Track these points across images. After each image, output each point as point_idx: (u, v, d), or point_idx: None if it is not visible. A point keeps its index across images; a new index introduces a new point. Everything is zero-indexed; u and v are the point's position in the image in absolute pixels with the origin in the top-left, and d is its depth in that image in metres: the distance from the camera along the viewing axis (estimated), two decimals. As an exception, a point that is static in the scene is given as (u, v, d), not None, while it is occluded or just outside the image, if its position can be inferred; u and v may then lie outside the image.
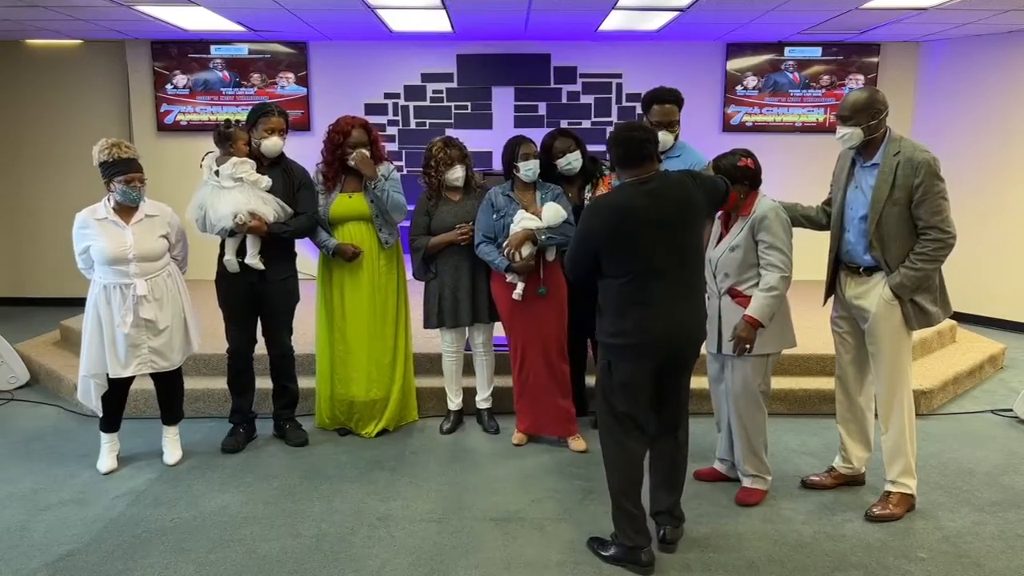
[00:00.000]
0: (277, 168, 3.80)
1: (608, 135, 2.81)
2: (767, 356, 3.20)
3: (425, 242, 3.94)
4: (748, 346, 3.08)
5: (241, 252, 3.73)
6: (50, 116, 7.13)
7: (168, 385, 3.77)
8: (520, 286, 3.75)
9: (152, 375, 3.69)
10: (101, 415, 3.68)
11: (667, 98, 3.64)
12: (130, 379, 3.65)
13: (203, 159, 3.73)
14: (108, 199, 3.47)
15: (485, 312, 4.00)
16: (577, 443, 3.93)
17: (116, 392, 3.65)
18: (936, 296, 3.13)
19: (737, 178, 3.10)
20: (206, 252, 4.00)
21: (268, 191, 3.70)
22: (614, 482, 2.84)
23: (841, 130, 3.10)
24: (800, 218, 3.37)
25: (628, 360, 2.74)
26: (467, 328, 4.12)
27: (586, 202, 3.88)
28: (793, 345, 3.28)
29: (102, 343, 3.47)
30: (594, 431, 4.11)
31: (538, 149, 3.85)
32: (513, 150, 3.79)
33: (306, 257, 4.42)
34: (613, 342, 2.74)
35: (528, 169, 3.75)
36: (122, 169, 3.37)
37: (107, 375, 3.52)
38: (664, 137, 3.56)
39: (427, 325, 4.07)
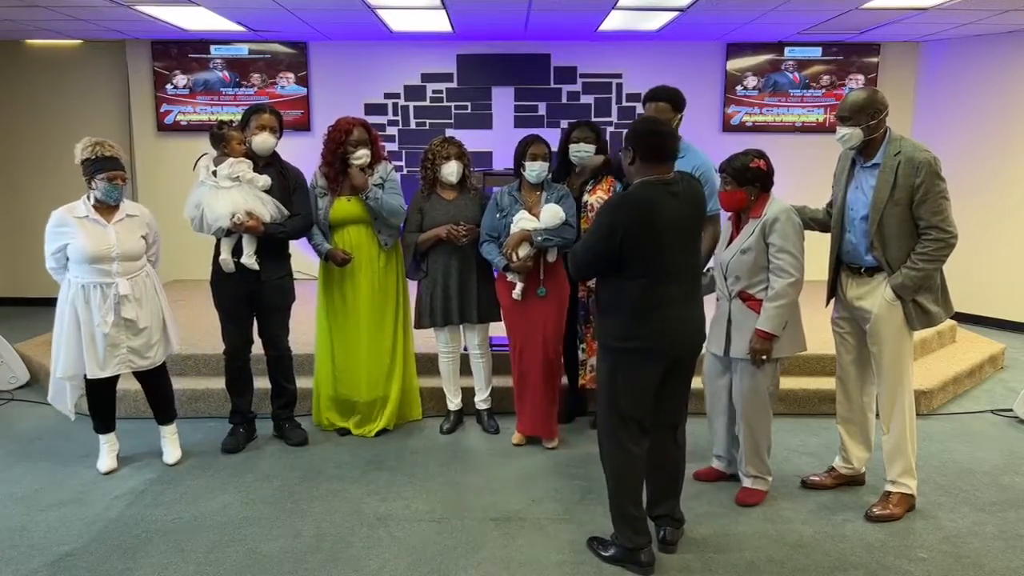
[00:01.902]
0: (272, 169, 3.79)
1: (630, 128, 2.73)
2: (777, 360, 3.20)
3: (415, 239, 3.94)
4: (765, 357, 3.11)
5: (237, 252, 3.73)
6: (50, 116, 7.14)
7: (154, 384, 3.75)
8: (519, 286, 3.76)
9: (137, 376, 3.68)
10: (73, 418, 3.64)
11: (659, 95, 3.59)
12: (114, 380, 3.64)
13: (198, 160, 3.74)
14: (88, 197, 3.45)
15: (474, 312, 3.98)
16: (552, 441, 3.96)
17: (101, 394, 3.64)
18: (938, 296, 3.13)
19: (749, 179, 3.09)
20: (202, 252, 4.00)
21: (265, 191, 3.71)
22: (616, 486, 2.82)
23: (841, 130, 3.10)
24: (808, 220, 3.36)
25: (639, 363, 2.69)
26: (462, 329, 4.12)
27: (586, 197, 3.88)
28: (804, 349, 3.26)
29: (79, 344, 3.43)
30: (589, 432, 4.14)
31: (550, 149, 3.82)
32: (523, 149, 3.78)
33: (307, 258, 4.42)
34: (625, 346, 2.69)
35: (533, 171, 3.74)
36: (104, 167, 3.36)
37: (84, 376, 3.50)
38: None
39: (418, 325, 4.06)
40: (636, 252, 2.60)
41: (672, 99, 3.61)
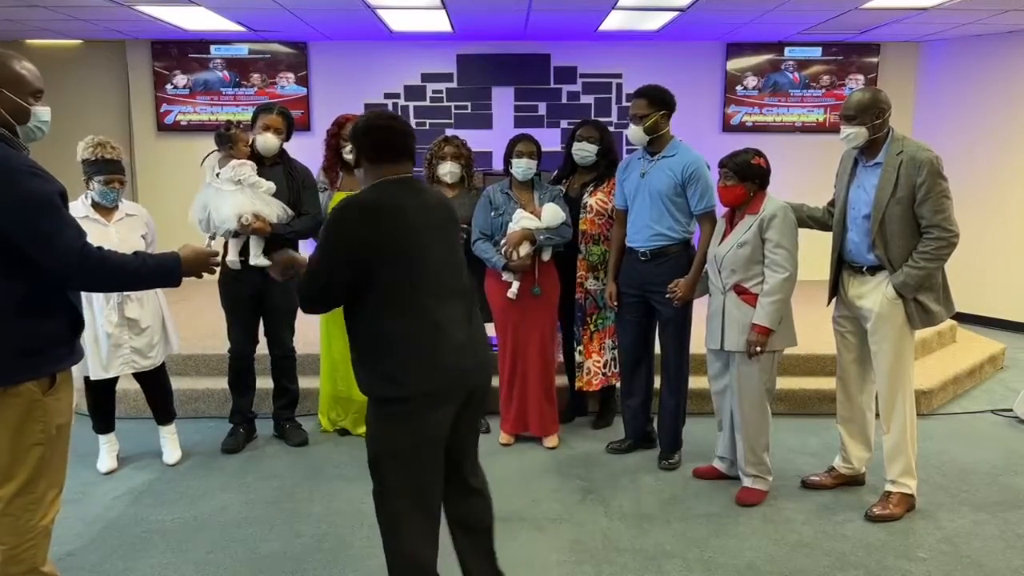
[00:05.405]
0: (280, 168, 3.79)
1: (353, 127, 2.32)
2: (773, 353, 3.22)
3: None
4: (760, 349, 3.13)
5: (244, 253, 3.73)
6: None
7: (154, 385, 3.75)
8: (515, 285, 3.76)
9: (137, 377, 3.68)
10: (74, 420, 3.65)
11: (637, 92, 3.55)
12: (114, 380, 3.64)
13: (205, 159, 3.73)
14: (86, 196, 3.46)
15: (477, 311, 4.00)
16: (551, 440, 3.95)
17: (102, 393, 3.65)
18: (939, 295, 3.13)
19: (748, 176, 3.15)
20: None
21: (272, 194, 3.70)
22: None
23: (845, 130, 3.10)
24: (806, 218, 3.38)
25: (422, 413, 2.14)
26: None
27: (586, 198, 3.88)
28: (794, 344, 3.29)
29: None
30: (589, 432, 4.15)
31: (538, 148, 3.85)
32: (511, 148, 3.83)
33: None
34: (399, 394, 2.13)
35: (519, 168, 3.78)
36: (103, 169, 3.37)
37: (84, 378, 3.50)
38: (632, 130, 3.53)
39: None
40: (376, 264, 2.09)
41: (648, 95, 3.49)
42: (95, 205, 3.45)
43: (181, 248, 2.24)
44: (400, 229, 2.12)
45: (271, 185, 3.69)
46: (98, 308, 3.43)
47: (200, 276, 2.31)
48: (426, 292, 2.15)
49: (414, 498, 2.20)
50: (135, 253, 2.16)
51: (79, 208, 3.43)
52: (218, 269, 2.34)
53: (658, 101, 3.48)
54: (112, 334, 3.45)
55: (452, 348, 2.16)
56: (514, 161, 3.79)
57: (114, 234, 3.42)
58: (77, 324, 2.13)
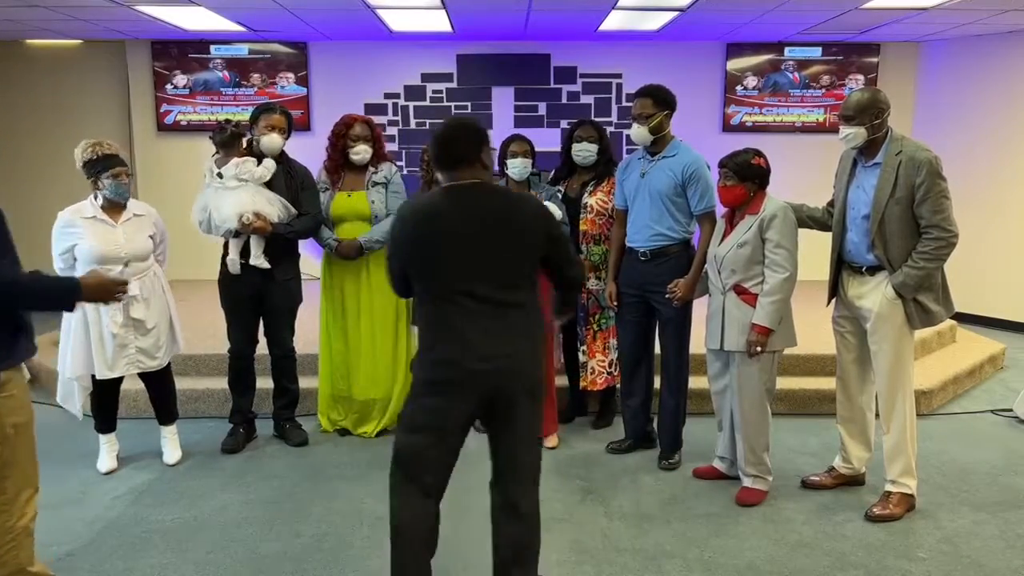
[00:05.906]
0: (280, 168, 3.79)
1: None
2: (773, 353, 3.23)
3: None
4: (760, 349, 3.14)
5: (244, 253, 3.73)
6: (50, 116, 7.14)
7: (158, 385, 3.75)
8: None
9: (142, 376, 3.68)
10: (80, 418, 3.63)
11: (640, 91, 3.55)
12: (119, 379, 3.64)
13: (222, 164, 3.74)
14: (95, 197, 3.45)
15: None
16: (551, 440, 3.94)
17: (107, 393, 3.65)
18: (939, 295, 3.13)
19: (749, 176, 3.15)
20: (210, 252, 4.00)
21: (270, 188, 3.70)
22: (391, 543, 2.49)
23: (845, 130, 3.10)
24: (806, 219, 3.38)
25: (423, 393, 2.39)
26: None
27: (586, 198, 3.89)
28: (794, 344, 3.29)
29: (88, 344, 3.44)
30: (589, 432, 4.16)
31: (532, 148, 3.88)
32: (504, 148, 3.86)
33: (308, 258, 4.42)
34: (415, 370, 2.42)
35: (515, 167, 3.80)
36: (108, 164, 3.36)
37: (91, 376, 3.51)
38: (635, 130, 3.51)
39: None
40: (412, 265, 2.34)
41: (653, 94, 3.50)
42: (105, 205, 3.44)
43: (87, 274, 2.31)
44: (431, 232, 2.29)
45: (271, 163, 3.70)
46: (104, 308, 3.42)
47: (106, 303, 2.41)
48: (447, 294, 2.28)
49: (407, 470, 2.43)
50: (31, 272, 2.13)
51: (87, 209, 3.43)
52: (125, 296, 2.44)
53: (662, 101, 3.49)
54: (117, 334, 3.45)
55: (463, 349, 2.27)
56: (509, 162, 3.81)
57: (120, 235, 3.42)
58: (19, 328, 2.10)
